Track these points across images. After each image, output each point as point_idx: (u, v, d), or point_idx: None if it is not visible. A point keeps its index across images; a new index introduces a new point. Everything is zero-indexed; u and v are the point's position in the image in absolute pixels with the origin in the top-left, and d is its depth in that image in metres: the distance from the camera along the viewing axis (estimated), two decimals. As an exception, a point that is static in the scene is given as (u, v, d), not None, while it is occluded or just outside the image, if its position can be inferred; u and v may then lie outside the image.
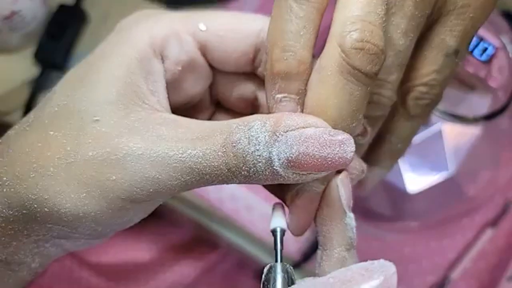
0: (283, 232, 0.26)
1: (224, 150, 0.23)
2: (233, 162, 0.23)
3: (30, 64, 0.55)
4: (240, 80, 0.30)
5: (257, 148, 0.23)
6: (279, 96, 0.26)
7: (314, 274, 0.25)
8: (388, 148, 0.32)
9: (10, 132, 0.26)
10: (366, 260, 0.24)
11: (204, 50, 0.29)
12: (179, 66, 0.28)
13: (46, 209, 0.24)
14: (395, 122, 0.31)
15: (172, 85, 0.29)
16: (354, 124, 0.25)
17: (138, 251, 0.54)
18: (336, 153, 0.23)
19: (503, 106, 0.43)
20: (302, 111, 0.26)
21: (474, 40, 0.42)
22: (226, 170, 0.23)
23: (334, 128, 0.24)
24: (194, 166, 0.23)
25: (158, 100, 0.27)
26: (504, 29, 0.44)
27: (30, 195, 0.24)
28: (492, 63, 0.42)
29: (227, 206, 0.51)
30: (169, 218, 0.54)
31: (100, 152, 0.24)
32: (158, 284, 0.52)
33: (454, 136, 0.45)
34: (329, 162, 0.23)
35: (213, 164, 0.23)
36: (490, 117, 0.43)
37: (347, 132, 0.24)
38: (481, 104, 0.43)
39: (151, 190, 0.24)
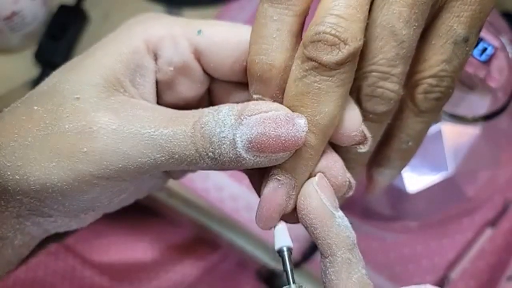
0: (290, 250, 0.26)
1: (193, 130, 0.24)
2: (200, 142, 0.24)
3: (31, 64, 0.55)
4: (235, 88, 0.31)
5: (223, 129, 0.24)
6: (255, 96, 0.27)
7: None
8: (398, 147, 0.31)
9: (8, 108, 0.28)
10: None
11: (198, 55, 0.29)
12: (171, 66, 0.29)
13: (17, 176, 0.25)
14: (405, 119, 0.30)
15: (165, 85, 0.30)
16: (317, 117, 0.25)
17: (140, 251, 0.54)
18: (289, 132, 0.24)
19: (503, 106, 0.43)
20: None
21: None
22: (194, 151, 0.25)
23: None
24: (165, 144, 0.25)
25: (141, 93, 0.28)
26: (504, 29, 0.44)
27: (6, 162, 0.25)
28: (492, 63, 0.42)
29: (227, 206, 0.51)
30: (170, 218, 0.54)
31: (76, 125, 0.25)
32: (160, 284, 0.53)
33: (453, 136, 0.45)
34: (283, 141, 0.24)
35: (182, 143, 0.25)
36: (489, 117, 0.42)
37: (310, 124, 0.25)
38: (480, 104, 0.43)
39: (120, 165, 0.25)
